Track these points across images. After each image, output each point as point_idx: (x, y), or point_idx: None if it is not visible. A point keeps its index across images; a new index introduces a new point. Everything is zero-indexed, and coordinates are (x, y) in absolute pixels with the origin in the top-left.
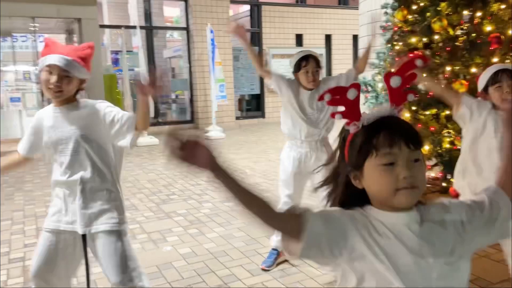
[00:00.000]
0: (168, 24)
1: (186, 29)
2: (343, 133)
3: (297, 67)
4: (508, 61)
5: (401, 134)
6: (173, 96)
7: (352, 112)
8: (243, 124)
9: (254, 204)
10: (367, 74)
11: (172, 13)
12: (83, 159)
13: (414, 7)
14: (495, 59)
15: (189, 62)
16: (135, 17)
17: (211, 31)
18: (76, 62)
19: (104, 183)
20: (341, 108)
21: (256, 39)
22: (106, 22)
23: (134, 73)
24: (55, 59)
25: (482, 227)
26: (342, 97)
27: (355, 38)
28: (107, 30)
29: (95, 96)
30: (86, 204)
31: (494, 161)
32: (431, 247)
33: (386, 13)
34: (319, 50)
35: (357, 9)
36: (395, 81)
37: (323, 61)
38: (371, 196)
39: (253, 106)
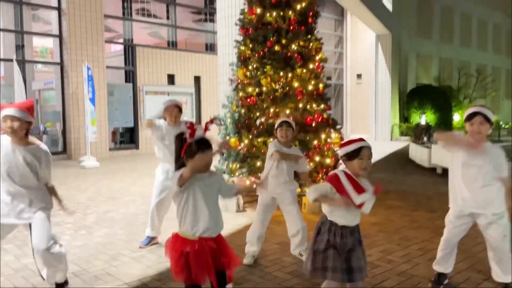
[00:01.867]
0: (35, 55)
1: (60, 64)
2: (180, 141)
3: (165, 109)
4: (309, 106)
5: (208, 143)
6: (41, 128)
7: (192, 135)
8: (117, 155)
9: None
10: (221, 112)
11: (39, 43)
12: (26, 178)
13: (250, 67)
14: (300, 105)
15: (62, 95)
16: None
17: (88, 68)
18: (21, 110)
19: (40, 191)
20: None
21: (130, 76)
22: None
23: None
24: (8, 111)
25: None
26: (191, 128)
27: None
28: None
29: None
30: (31, 203)
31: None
32: (209, 192)
33: (232, 69)
34: (190, 89)
35: None
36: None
37: (193, 100)
38: (193, 168)
39: (127, 138)
